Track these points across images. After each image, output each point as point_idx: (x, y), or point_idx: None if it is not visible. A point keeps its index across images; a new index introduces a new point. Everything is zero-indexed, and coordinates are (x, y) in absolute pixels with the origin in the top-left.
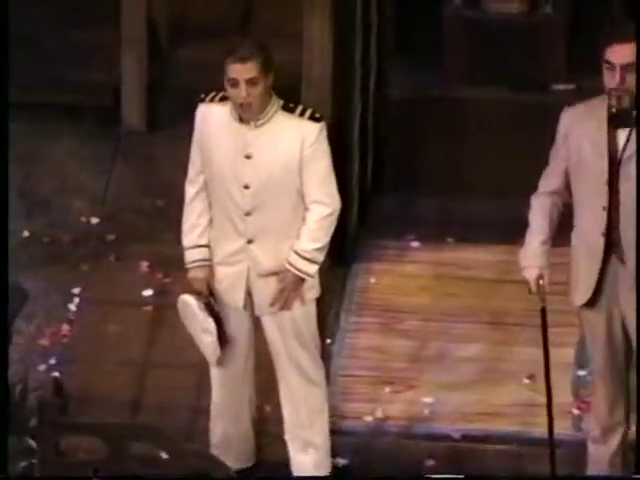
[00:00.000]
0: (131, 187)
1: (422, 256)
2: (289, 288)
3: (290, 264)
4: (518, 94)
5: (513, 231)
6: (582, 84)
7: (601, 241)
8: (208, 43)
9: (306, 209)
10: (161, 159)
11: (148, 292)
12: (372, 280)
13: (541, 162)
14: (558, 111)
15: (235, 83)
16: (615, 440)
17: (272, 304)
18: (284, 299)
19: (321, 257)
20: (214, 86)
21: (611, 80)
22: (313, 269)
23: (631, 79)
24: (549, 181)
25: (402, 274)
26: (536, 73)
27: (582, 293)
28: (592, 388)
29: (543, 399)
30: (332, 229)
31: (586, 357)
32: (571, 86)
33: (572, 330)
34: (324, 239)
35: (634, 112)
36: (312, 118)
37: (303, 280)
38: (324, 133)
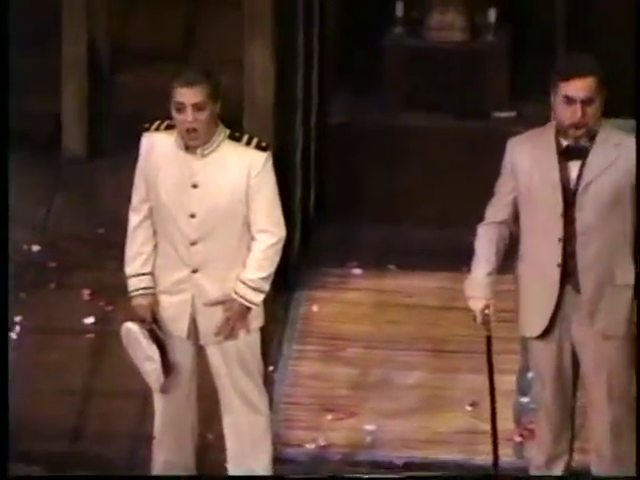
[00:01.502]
0: (72, 214)
1: (364, 283)
2: (235, 317)
3: (236, 293)
4: (460, 122)
5: (455, 258)
6: (524, 111)
7: (556, 272)
8: (150, 69)
9: (252, 238)
10: (103, 186)
11: (90, 320)
12: (314, 308)
13: (482, 189)
14: (500, 139)
15: (182, 107)
16: (559, 468)
17: (217, 333)
18: (230, 328)
19: (267, 286)
20: (156, 113)
21: (571, 115)
22: (259, 298)
23: (590, 113)
24: (496, 211)
25: (344, 301)
26: (478, 101)
27: (535, 325)
28: (536, 417)
29: (485, 426)
30: (278, 258)
31: (528, 384)
32: (513, 113)
33: (514, 357)
34: (270, 268)
35: (588, 146)
36: (258, 147)
37: (249, 309)
38: (270, 162)
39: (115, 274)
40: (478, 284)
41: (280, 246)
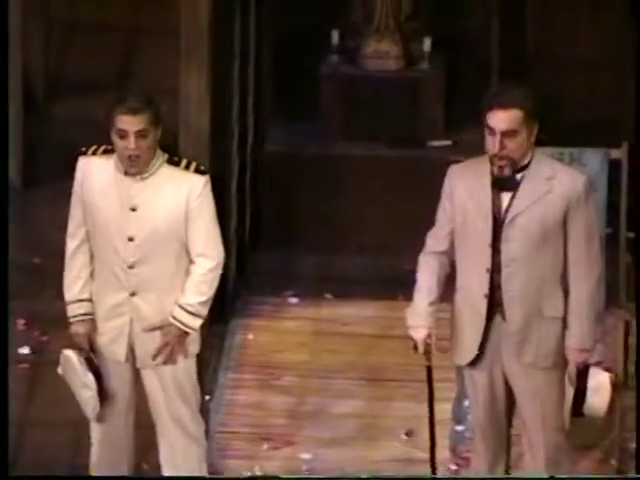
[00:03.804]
0: None
1: (301, 312)
2: (173, 342)
3: (174, 318)
4: (395, 150)
5: (391, 286)
6: (459, 140)
7: (484, 302)
8: (85, 99)
9: (191, 262)
10: (38, 216)
11: (25, 350)
12: (250, 336)
13: (418, 218)
14: (435, 167)
15: (124, 135)
16: None
17: (155, 357)
18: (168, 353)
19: (205, 311)
20: (91, 142)
21: (492, 146)
22: (197, 323)
23: (512, 145)
24: (437, 241)
25: (281, 330)
26: (413, 129)
27: (466, 353)
28: (472, 444)
29: (421, 454)
30: (216, 283)
31: (464, 412)
32: (448, 142)
33: (449, 385)
34: (208, 293)
35: (517, 176)
36: (197, 171)
37: (187, 334)
38: (209, 186)
39: (50, 304)
40: (420, 314)
41: (219, 271)
